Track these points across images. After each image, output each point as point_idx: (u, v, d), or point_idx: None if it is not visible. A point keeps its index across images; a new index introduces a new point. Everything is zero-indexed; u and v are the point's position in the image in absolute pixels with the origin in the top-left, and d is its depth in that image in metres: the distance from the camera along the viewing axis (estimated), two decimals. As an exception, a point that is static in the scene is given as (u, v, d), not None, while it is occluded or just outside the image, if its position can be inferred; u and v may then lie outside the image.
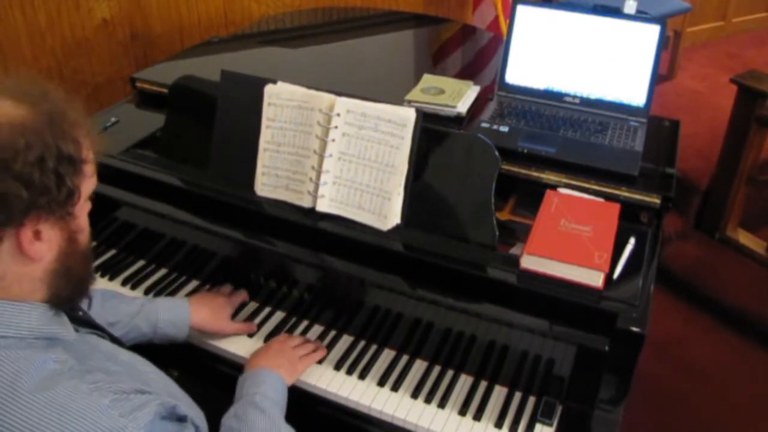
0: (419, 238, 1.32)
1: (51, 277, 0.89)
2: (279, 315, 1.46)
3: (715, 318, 2.40)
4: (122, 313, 1.29)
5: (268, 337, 1.40)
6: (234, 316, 1.44)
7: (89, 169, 0.90)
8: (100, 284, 1.51)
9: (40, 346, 0.87)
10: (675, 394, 2.11)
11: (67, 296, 0.92)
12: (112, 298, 1.32)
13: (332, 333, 1.41)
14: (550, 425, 1.23)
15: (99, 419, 0.82)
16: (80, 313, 1.04)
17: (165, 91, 1.64)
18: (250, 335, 1.41)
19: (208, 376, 1.44)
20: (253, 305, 1.48)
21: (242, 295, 1.47)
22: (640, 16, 1.58)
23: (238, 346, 1.38)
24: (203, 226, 1.44)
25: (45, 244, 0.86)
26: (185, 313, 1.34)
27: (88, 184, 0.91)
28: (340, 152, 1.36)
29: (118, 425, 0.82)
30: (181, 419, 0.93)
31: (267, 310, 1.47)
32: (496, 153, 1.32)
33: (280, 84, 1.41)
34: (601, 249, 1.22)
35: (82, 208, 0.91)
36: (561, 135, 1.52)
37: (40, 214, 0.84)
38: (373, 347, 1.38)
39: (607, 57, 1.58)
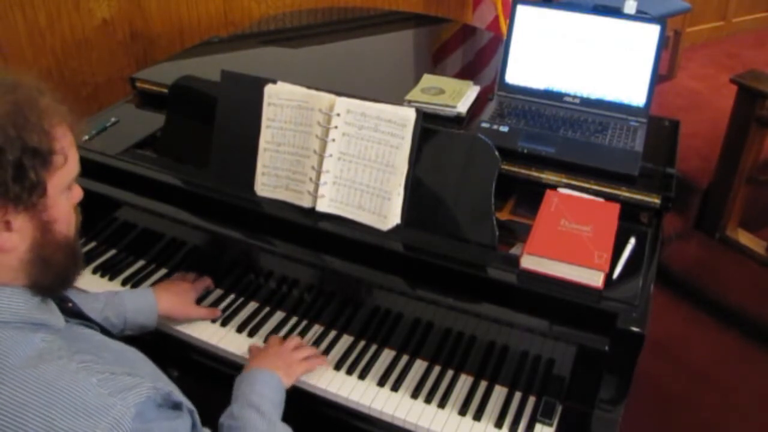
0: (419, 238, 1.32)
1: (28, 266, 0.89)
2: (279, 315, 1.46)
3: (715, 318, 2.40)
4: (88, 308, 1.28)
5: (268, 338, 1.40)
6: (234, 315, 1.45)
7: (59, 160, 0.88)
8: (100, 284, 1.52)
9: (27, 329, 0.87)
10: (675, 394, 2.11)
11: (48, 285, 0.92)
12: (78, 295, 1.31)
13: (332, 333, 1.41)
14: (550, 425, 1.23)
15: (87, 397, 0.82)
16: (70, 305, 1.04)
17: (165, 91, 1.64)
18: (250, 335, 1.41)
19: (207, 377, 1.45)
20: (253, 305, 1.48)
21: (206, 281, 1.49)
22: (640, 16, 1.58)
23: (236, 346, 1.38)
24: (203, 226, 1.44)
25: (16, 234, 0.86)
26: (151, 299, 1.36)
27: (63, 173, 0.89)
28: (340, 152, 1.36)
29: (107, 403, 0.82)
30: (177, 406, 0.93)
31: (266, 310, 1.47)
32: (496, 153, 1.32)
33: (280, 84, 1.41)
34: (601, 249, 1.22)
35: (57, 199, 0.89)
36: (561, 135, 1.52)
37: (7, 205, 0.83)
38: (373, 347, 1.38)
39: (607, 57, 1.58)
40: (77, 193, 0.96)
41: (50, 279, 0.91)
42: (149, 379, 0.89)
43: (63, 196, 0.91)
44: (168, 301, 1.38)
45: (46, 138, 0.86)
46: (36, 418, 0.80)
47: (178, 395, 0.94)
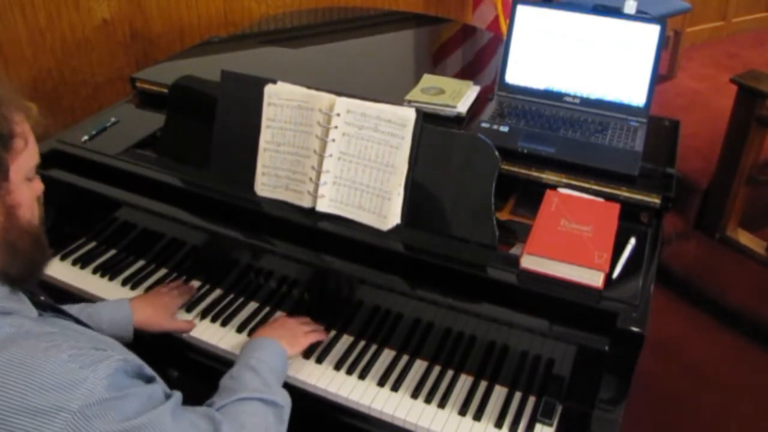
0: (419, 238, 1.32)
1: None
2: (279, 315, 1.46)
3: (715, 318, 2.40)
4: None
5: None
6: (234, 315, 1.45)
7: (20, 143, 0.90)
8: (100, 284, 1.52)
9: None
10: (675, 394, 2.11)
11: (18, 274, 0.92)
12: None
13: (332, 333, 1.41)
14: (550, 425, 1.23)
15: (59, 372, 0.83)
16: (42, 298, 1.04)
17: (165, 91, 1.64)
18: (250, 335, 1.40)
19: (207, 377, 1.44)
20: (253, 305, 1.48)
21: (190, 290, 1.48)
22: (640, 16, 1.58)
23: (236, 346, 1.38)
24: (203, 226, 1.44)
25: None
26: (127, 312, 1.35)
27: (24, 158, 0.91)
28: (340, 152, 1.36)
29: (79, 377, 0.83)
30: (150, 380, 0.94)
31: (266, 310, 1.47)
32: (496, 153, 1.32)
33: (280, 84, 1.41)
34: (601, 249, 1.22)
35: (19, 184, 0.91)
36: (561, 135, 1.52)
37: None
38: (373, 347, 1.38)
39: (607, 57, 1.58)
40: (38, 186, 0.97)
41: (18, 267, 0.92)
42: (118, 353, 0.90)
43: (24, 185, 0.93)
44: (143, 314, 1.37)
45: (6, 122, 0.88)
46: (9, 399, 0.81)
47: (150, 371, 0.95)
